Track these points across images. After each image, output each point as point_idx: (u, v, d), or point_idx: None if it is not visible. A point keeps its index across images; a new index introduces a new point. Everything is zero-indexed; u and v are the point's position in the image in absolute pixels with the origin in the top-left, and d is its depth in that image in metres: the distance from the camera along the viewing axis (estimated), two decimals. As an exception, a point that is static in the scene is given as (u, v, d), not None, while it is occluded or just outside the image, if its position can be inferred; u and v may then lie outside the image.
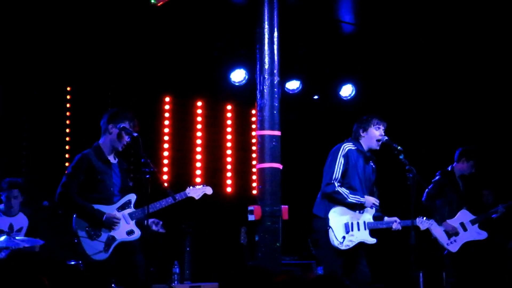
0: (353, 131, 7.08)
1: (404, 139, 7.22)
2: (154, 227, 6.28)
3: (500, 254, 8.95)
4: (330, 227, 6.73)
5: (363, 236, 6.82)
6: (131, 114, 6.30)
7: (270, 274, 3.30)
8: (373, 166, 7.12)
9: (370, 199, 6.85)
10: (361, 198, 6.81)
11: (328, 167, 6.91)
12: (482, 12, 8.77)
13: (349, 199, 6.76)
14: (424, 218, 7.36)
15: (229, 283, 3.33)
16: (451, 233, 7.96)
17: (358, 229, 6.81)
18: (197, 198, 6.49)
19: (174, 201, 6.29)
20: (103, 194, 6.12)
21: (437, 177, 8.16)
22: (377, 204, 6.89)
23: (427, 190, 8.12)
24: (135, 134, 6.13)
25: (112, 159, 6.28)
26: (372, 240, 6.85)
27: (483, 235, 8.05)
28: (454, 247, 7.98)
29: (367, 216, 6.89)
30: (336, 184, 6.77)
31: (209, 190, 6.58)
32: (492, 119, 10.39)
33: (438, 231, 7.79)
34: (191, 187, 6.45)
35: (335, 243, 6.69)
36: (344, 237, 6.73)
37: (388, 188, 7.94)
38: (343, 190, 6.75)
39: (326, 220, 6.76)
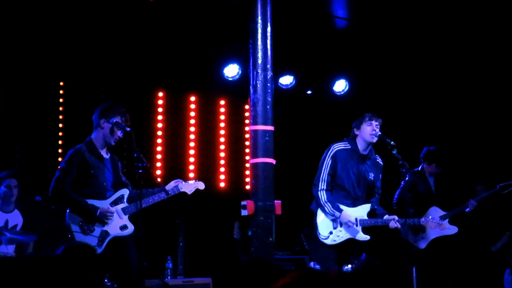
0: (351, 131, 7.11)
1: (397, 134, 7.23)
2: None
3: (471, 248, 9.01)
4: (316, 222, 6.79)
5: (353, 232, 6.82)
6: (123, 109, 6.30)
7: (278, 269, 3.30)
8: (380, 163, 7.10)
9: (345, 217, 6.78)
10: (336, 212, 6.78)
11: (318, 167, 6.94)
12: (475, 8, 8.78)
13: (324, 208, 6.79)
14: (430, 218, 7.41)
15: (237, 276, 3.32)
16: (418, 230, 8.01)
17: (348, 225, 6.82)
18: (189, 193, 6.51)
19: (166, 196, 6.30)
20: (96, 188, 6.11)
21: (407, 178, 8.20)
22: (352, 224, 6.79)
23: (397, 192, 8.19)
24: (128, 129, 6.13)
25: (104, 154, 6.27)
26: (364, 237, 6.85)
27: (453, 230, 8.05)
28: (422, 244, 8.05)
29: (361, 212, 6.88)
30: (320, 186, 6.82)
31: (201, 185, 6.60)
32: (486, 114, 10.41)
33: (405, 229, 7.83)
34: (183, 182, 6.45)
35: (321, 237, 6.75)
36: (331, 232, 6.77)
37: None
38: (322, 196, 6.79)
39: (315, 214, 6.83)
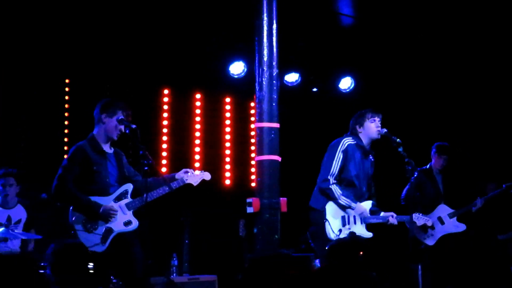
0: (350, 128, 7.07)
1: (403, 132, 7.20)
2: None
3: (479, 245, 9.05)
4: (326, 220, 6.74)
5: (359, 230, 6.82)
6: (124, 103, 6.26)
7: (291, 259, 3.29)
8: (372, 159, 7.12)
9: (360, 208, 6.82)
10: (352, 204, 6.77)
11: (326, 161, 6.91)
12: (481, 6, 8.76)
13: (339, 200, 6.76)
14: (421, 214, 7.40)
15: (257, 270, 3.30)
16: (427, 227, 8.07)
17: (355, 223, 6.81)
18: (195, 184, 6.42)
19: (170, 190, 6.25)
20: (99, 185, 6.08)
21: (415, 176, 8.25)
22: (366, 214, 6.85)
23: (405, 190, 8.21)
24: (134, 126, 6.11)
25: (107, 149, 6.23)
26: (368, 234, 6.85)
27: (461, 227, 8.20)
28: (431, 241, 8.14)
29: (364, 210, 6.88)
30: (331, 180, 6.78)
31: (207, 176, 6.49)
32: (490, 111, 10.38)
33: (414, 226, 7.91)
34: (188, 173, 6.38)
35: (331, 236, 6.70)
36: (340, 230, 6.73)
37: (386, 181, 7.94)
38: (336, 190, 6.75)
39: (322, 212, 6.77)
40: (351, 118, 7.12)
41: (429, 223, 7.51)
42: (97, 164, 6.09)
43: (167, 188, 6.24)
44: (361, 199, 6.90)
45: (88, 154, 6.08)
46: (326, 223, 6.73)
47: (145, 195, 6.01)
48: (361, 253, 6.70)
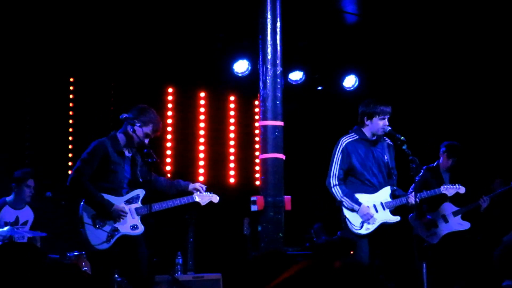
0: (359, 115, 7.01)
1: (407, 129, 7.20)
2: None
3: (484, 243, 9.03)
4: (345, 216, 6.76)
5: (384, 216, 6.79)
6: (158, 118, 6.29)
7: (291, 259, 3.29)
8: (388, 143, 7.03)
9: (364, 210, 6.74)
10: (355, 206, 6.74)
11: (330, 164, 6.92)
12: (488, 2, 8.75)
13: (343, 202, 6.78)
14: (449, 184, 7.36)
15: (250, 269, 3.30)
16: (430, 225, 8.06)
17: (377, 211, 6.78)
18: (203, 204, 6.57)
19: (180, 203, 6.34)
20: (114, 184, 6.12)
21: (421, 174, 8.25)
22: (370, 217, 6.75)
23: (411, 188, 8.19)
24: (138, 125, 6.13)
25: (126, 152, 6.26)
26: (395, 218, 6.83)
27: (465, 225, 8.17)
28: (434, 239, 8.15)
29: (384, 196, 6.84)
30: (333, 182, 6.80)
31: (215, 199, 6.68)
32: (496, 110, 10.37)
33: (417, 224, 7.91)
34: (198, 193, 6.50)
35: (354, 229, 6.72)
36: (363, 222, 6.73)
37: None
38: (337, 192, 6.77)
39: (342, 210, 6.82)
40: (361, 105, 7.03)
41: (462, 191, 7.41)
42: (115, 164, 6.12)
43: (178, 202, 6.34)
44: (378, 190, 6.88)
45: (109, 152, 6.10)
46: (347, 220, 6.76)
47: (148, 205, 6.06)
48: (351, 252, 6.76)
